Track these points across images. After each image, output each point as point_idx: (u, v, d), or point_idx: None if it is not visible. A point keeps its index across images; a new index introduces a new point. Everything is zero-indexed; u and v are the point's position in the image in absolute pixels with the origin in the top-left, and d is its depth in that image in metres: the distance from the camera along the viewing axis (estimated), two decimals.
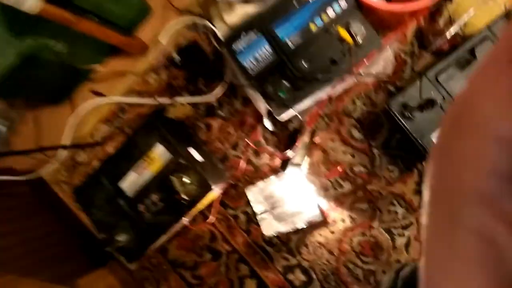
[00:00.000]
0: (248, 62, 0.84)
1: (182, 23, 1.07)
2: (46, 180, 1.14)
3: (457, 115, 0.16)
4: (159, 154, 0.88)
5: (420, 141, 0.74)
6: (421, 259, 0.18)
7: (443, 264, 0.16)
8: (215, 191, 0.94)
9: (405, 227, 0.95)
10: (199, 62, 1.04)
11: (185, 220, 0.86)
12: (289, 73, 0.82)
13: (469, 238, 0.15)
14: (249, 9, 0.88)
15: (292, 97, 0.84)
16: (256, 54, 0.83)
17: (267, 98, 0.85)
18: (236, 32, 0.84)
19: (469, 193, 0.15)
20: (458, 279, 0.16)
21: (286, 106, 0.84)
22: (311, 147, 1.01)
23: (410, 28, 0.93)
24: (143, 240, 0.89)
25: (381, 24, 0.93)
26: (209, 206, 1.03)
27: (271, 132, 1.03)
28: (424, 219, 0.18)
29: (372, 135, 0.97)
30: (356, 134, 0.98)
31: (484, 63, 0.16)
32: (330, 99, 0.98)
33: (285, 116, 0.88)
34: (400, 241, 0.95)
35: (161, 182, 0.87)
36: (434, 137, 0.74)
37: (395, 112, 0.75)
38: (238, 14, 0.92)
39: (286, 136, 1.02)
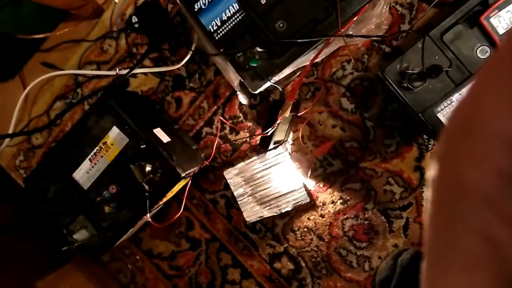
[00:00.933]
0: (213, 24, 0.69)
1: None
2: (2, 166, 1.02)
3: (461, 115, 0.16)
4: (115, 138, 0.75)
5: (421, 116, 0.61)
6: (423, 261, 0.18)
7: (444, 264, 0.16)
8: (187, 177, 0.82)
9: (403, 208, 0.84)
10: (161, 24, 0.89)
11: (148, 216, 0.74)
12: (263, 37, 0.68)
13: (471, 239, 0.15)
14: None
15: (267, 66, 0.70)
16: (222, 14, 0.68)
17: (238, 68, 0.71)
18: None
19: (472, 193, 0.15)
20: (459, 279, 0.16)
21: (261, 77, 0.70)
22: (295, 121, 0.87)
23: None
24: (106, 236, 0.78)
25: None
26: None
27: (250, 105, 0.89)
28: (426, 219, 0.18)
29: (365, 105, 0.83)
30: (347, 104, 0.84)
31: (489, 62, 0.16)
32: (315, 64, 0.84)
33: (263, 88, 0.74)
34: (398, 224, 0.84)
35: (119, 172, 0.75)
36: (439, 112, 0.61)
37: (391, 82, 0.62)
38: None
39: (267, 110, 0.88)
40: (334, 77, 0.84)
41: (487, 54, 0.59)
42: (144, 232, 0.97)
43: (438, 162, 0.17)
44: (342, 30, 0.68)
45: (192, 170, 0.84)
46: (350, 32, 0.68)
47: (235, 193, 0.90)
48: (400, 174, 0.83)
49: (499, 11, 0.58)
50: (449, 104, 0.60)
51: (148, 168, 0.74)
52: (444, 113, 0.60)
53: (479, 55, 0.59)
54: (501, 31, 0.58)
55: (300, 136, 0.87)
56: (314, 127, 0.87)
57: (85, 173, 0.76)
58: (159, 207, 0.89)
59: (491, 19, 0.58)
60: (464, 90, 0.60)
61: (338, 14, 0.66)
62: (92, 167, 0.76)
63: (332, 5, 0.66)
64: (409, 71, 0.59)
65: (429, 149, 0.80)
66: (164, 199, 0.83)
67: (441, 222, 0.17)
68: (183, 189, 0.92)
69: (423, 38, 0.58)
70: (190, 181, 0.87)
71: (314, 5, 0.66)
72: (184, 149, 0.87)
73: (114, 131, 0.75)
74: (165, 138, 0.83)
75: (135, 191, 0.75)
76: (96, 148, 0.76)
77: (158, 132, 0.83)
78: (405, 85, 0.60)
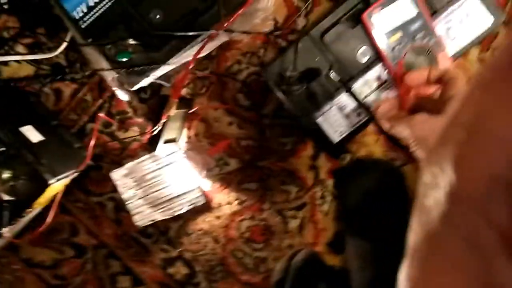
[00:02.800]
0: (78, 10, 0.60)
1: None
2: None
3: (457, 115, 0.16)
4: None
5: (301, 120, 0.58)
6: (405, 261, 0.18)
7: (428, 266, 0.16)
8: (60, 182, 0.72)
9: (298, 208, 0.82)
10: (35, 5, 0.77)
11: (6, 231, 0.65)
12: (136, 27, 0.60)
13: (457, 242, 0.15)
14: None
15: (145, 60, 0.63)
16: None
17: (112, 62, 0.63)
18: None
19: (462, 196, 0.14)
20: (442, 282, 0.15)
21: (138, 72, 0.63)
22: (189, 117, 0.81)
23: None
24: None
25: None
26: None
27: (140, 99, 0.82)
28: (412, 223, 0.17)
29: (262, 101, 0.80)
30: (243, 100, 0.80)
31: (487, 67, 0.16)
32: (209, 58, 0.78)
33: (142, 84, 0.67)
34: (293, 224, 0.83)
35: None
36: (319, 117, 0.58)
37: (271, 84, 0.58)
38: None
39: (157, 105, 0.81)
40: (229, 71, 0.79)
41: (367, 56, 0.57)
42: (22, 239, 0.86)
43: (426, 163, 0.17)
44: (226, 24, 0.62)
45: (71, 172, 0.75)
46: (235, 26, 0.63)
47: (123, 196, 0.83)
48: (296, 173, 0.81)
49: (382, 8, 0.56)
50: (328, 109, 0.57)
51: (6, 175, 0.64)
52: (323, 118, 0.58)
53: (359, 58, 0.57)
54: (382, 30, 0.57)
55: (194, 134, 0.81)
56: (209, 124, 0.82)
57: None
58: (36, 214, 0.79)
59: (373, 17, 0.56)
60: (344, 94, 0.58)
61: (220, 7, 0.60)
62: None
63: None
64: (288, 74, 0.56)
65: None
66: (36, 207, 0.73)
67: (426, 221, 0.16)
68: (68, 191, 0.83)
69: (297, 40, 0.55)
70: (67, 184, 0.78)
71: None
72: (61, 149, 0.77)
73: None
74: (36, 137, 0.73)
75: None
76: None
77: (28, 130, 0.73)
78: (284, 88, 0.56)
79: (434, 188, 0.16)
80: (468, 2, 0.56)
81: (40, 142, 0.73)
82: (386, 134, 0.51)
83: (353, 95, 0.58)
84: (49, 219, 0.73)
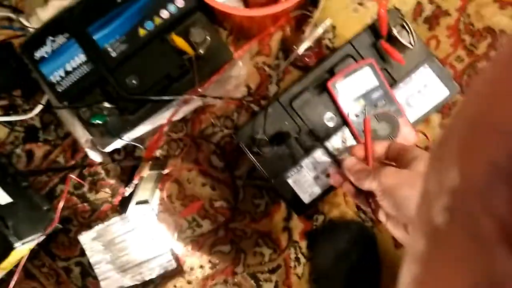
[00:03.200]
0: (56, 74, 0.62)
1: None
2: None
3: (462, 109, 0.16)
4: None
5: (273, 181, 0.59)
6: (405, 258, 0.18)
7: (428, 259, 0.16)
8: (26, 246, 0.70)
9: (272, 271, 0.81)
10: (11, 68, 0.79)
11: None
12: (112, 91, 0.62)
13: (457, 233, 0.15)
14: (65, 3, 0.66)
15: (119, 122, 0.64)
16: (67, 64, 0.62)
17: (86, 124, 0.64)
18: (38, 35, 0.62)
19: (464, 189, 0.15)
20: (443, 274, 0.15)
21: (112, 134, 0.64)
22: (163, 179, 0.82)
23: (275, 39, 0.79)
24: None
25: (241, 33, 0.78)
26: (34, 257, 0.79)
27: (113, 160, 0.82)
28: (414, 218, 0.18)
29: (235, 163, 0.81)
30: (217, 162, 0.81)
31: (491, 63, 0.16)
32: (184, 120, 0.80)
33: (115, 146, 0.67)
34: None
35: None
36: (289, 178, 0.60)
37: (243, 146, 0.60)
38: (53, 7, 0.70)
39: (131, 166, 0.81)
40: (203, 134, 0.81)
41: (333, 122, 0.60)
42: None
43: (432, 154, 0.17)
44: (200, 90, 0.65)
45: (38, 235, 0.73)
46: (209, 92, 0.66)
47: (91, 260, 0.80)
48: (269, 235, 0.81)
49: (345, 78, 0.60)
50: (298, 170, 0.59)
51: None
52: (294, 179, 0.60)
53: (326, 122, 0.60)
54: (346, 97, 0.60)
55: (166, 195, 0.81)
56: (183, 185, 0.82)
57: None
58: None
59: (337, 85, 0.60)
60: (313, 156, 0.60)
61: (195, 73, 0.63)
62: None
63: (189, 63, 0.63)
64: (258, 136, 0.58)
65: None
66: (0, 272, 0.70)
67: (426, 215, 0.16)
68: (33, 255, 0.80)
69: (267, 105, 0.58)
70: (33, 248, 0.75)
71: (168, 62, 0.63)
72: (29, 211, 0.75)
73: None
74: (3, 198, 0.71)
75: None
76: None
77: None
78: (255, 150, 0.58)
79: (437, 182, 0.16)
80: (424, 74, 0.61)
81: (8, 204, 0.71)
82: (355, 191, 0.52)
83: (327, 151, 0.60)
84: (11, 285, 0.69)
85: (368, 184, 0.48)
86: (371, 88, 0.59)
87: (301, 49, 0.64)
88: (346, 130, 0.61)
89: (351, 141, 0.60)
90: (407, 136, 0.58)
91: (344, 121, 0.60)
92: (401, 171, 0.47)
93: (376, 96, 0.59)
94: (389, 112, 0.59)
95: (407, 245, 0.18)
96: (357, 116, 0.59)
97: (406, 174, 0.46)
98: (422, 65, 0.61)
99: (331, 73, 0.60)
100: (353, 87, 0.59)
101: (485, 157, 0.14)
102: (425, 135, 0.63)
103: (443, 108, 0.76)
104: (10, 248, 0.65)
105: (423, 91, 0.62)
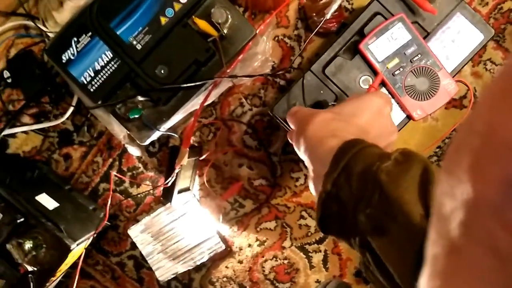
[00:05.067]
0: (86, 75, 0.62)
1: (9, 28, 0.82)
2: None
3: (471, 123, 0.16)
4: None
5: None
6: (424, 272, 0.18)
7: (447, 276, 0.16)
8: (80, 246, 0.72)
9: (319, 242, 0.81)
10: (37, 76, 0.80)
11: None
12: (143, 84, 0.62)
13: (475, 249, 0.15)
14: (81, 3, 0.66)
15: (154, 114, 0.65)
16: (95, 63, 0.62)
17: (122, 120, 0.64)
18: (62, 38, 0.62)
19: (479, 203, 0.14)
20: None
21: (149, 127, 0.65)
22: (199, 165, 0.82)
23: (292, 9, 0.77)
24: None
25: (256, 6, 0.76)
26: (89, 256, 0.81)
27: (149, 153, 0.83)
28: (430, 233, 0.18)
29: (268, 140, 0.81)
30: (250, 141, 0.81)
31: (500, 75, 0.16)
32: (213, 104, 0.80)
33: (153, 138, 0.68)
34: (317, 258, 0.82)
35: None
36: None
37: (280, 120, 0.59)
38: (69, 9, 0.69)
39: (168, 156, 0.82)
40: (233, 115, 0.81)
41: (369, 83, 0.59)
42: None
43: (443, 172, 0.17)
44: (228, 71, 0.65)
45: (89, 235, 0.75)
46: (237, 71, 0.66)
47: (143, 252, 0.82)
48: (312, 206, 0.81)
49: (377, 38, 0.59)
50: None
51: (28, 245, 0.64)
52: None
53: (362, 85, 0.59)
54: (380, 57, 0.59)
55: (205, 180, 0.82)
56: (220, 169, 0.82)
57: None
58: (56, 282, 0.78)
59: (370, 46, 0.59)
60: None
61: (221, 55, 0.62)
62: None
63: (213, 45, 0.62)
64: None
65: None
66: (58, 274, 0.72)
67: (443, 229, 0.16)
68: (86, 254, 0.82)
69: (303, 75, 0.57)
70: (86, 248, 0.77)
71: (194, 47, 0.62)
72: (77, 213, 0.77)
73: None
74: (51, 204, 0.73)
75: (17, 275, 0.64)
76: None
77: (42, 198, 0.73)
78: None
79: (451, 197, 0.16)
80: (456, 22, 0.59)
81: (56, 209, 0.73)
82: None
83: None
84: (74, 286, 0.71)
85: (288, 121, 0.51)
86: (405, 43, 0.57)
87: (329, 14, 0.62)
88: (383, 90, 0.59)
89: None
90: (447, 88, 0.57)
91: (381, 81, 0.59)
92: (307, 109, 0.49)
93: (410, 51, 0.57)
94: (427, 66, 0.57)
95: (426, 260, 0.18)
96: (393, 74, 0.58)
97: (307, 111, 0.48)
98: (454, 13, 0.59)
99: (361, 34, 0.59)
100: (386, 45, 0.57)
101: (498, 172, 0.14)
102: (466, 84, 0.61)
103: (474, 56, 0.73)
104: (67, 250, 0.67)
105: (457, 40, 0.60)
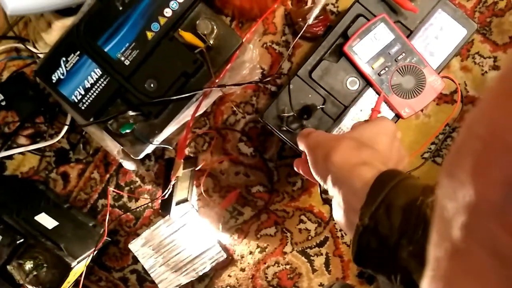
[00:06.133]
0: (76, 93, 0.63)
1: (0, 52, 0.83)
2: None
3: (472, 126, 0.16)
4: None
5: None
6: (426, 274, 0.18)
7: (450, 278, 0.16)
8: (81, 264, 0.72)
9: (320, 245, 0.81)
10: (30, 97, 0.81)
11: None
12: (133, 99, 0.63)
13: (477, 251, 0.15)
14: (69, 22, 0.67)
15: (146, 128, 0.65)
16: (85, 81, 0.63)
17: (114, 135, 0.65)
18: (51, 58, 0.63)
19: (480, 206, 0.15)
20: None
21: (142, 141, 0.65)
22: (196, 175, 0.83)
23: (279, 15, 0.78)
24: None
25: (243, 15, 0.77)
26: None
27: (145, 167, 0.83)
28: (432, 235, 0.18)
29: (263, 146, 0.81)
30: (245, 149, 0.82)
31: (499, 78, 0.16)
32: (206, 114, 0.81)
33: (147, 151, 0.68)
34: (319, 262, 0.81)
35: None
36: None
37: (271, 126, 0.60)
38: (57, 29, 0.70)
39: (164, 169, 0.82)
40: (227, 124, 0.82)
41: (356, 85, 0.59)
42: None
43: (444, 175, 0.17)
44: (217, 80, 0.65)
45: (90, 252, 0.75)
46: (226, 81, 0.66)
47: (145, 266, 0.82)
48: (311, 210, 0.81)
49: (361, 39, 0.59)
50: None
51: (29, 266, 0.64)
52: None
53: (349, 87, 0.60)
54: (365, 58, 0.59)
55: (203, 190, 0.82)
56: (217, 178, 0.83)
57: None
58: None
59: (354, 48, 0.59)
60: (342, 123, 0.59)
61: (209, 65, 0.63)
62: None
63: (201, 56, 0.63)
64: (285, 115, 0.58)
65: None
66: None
67: (445, 232, 0.16)
68: (89, 271, 0.82)
69: (289, 81, 0.58)
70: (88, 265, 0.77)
71: (181, 60, 0.63)
72: (76, 230, 0.77)
73: None
74: (50, 223, 0.74)
75: None
76: None
77: (42, 218, 0.73)
78: (284, 128, 0.58)
79: (453, 199, 0.16)
80: (438, 18, 0.60)
81: (56, 228, 0.74)
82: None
83: (354, 116, 0.60)
84: None
85: (299, 144, 0.50)
86: (388, 43, 0.58)
87: (311, 19, 0.63)
88: (370, 91, 0.60)
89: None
90: (434, 84, 0.57)
91: (367, 82, 0.59)
92: (322, 133, 0.49)
93: (394, 50, 0.58)
94: (412, 64, 0.58)
95: (428, 262, 0.18)
96: (379, 74, 0.58)
97: (324, 135, 0.48)
98: (436, 10, 0.60)
99: (345, 37, 0.59)
100: (370, 46, 0.58)
101: (500, 174, 0.14)
102: (452, 80, 0.62)
103: (462, 50, 0.74)
104: (68, 269, 0.67)
105: (440, 36, 0.61)
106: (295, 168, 0.54)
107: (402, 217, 0.34)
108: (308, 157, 0.47)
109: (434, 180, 0.36)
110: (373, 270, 0.38)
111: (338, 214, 0.42)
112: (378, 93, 0.59)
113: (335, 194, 0.42)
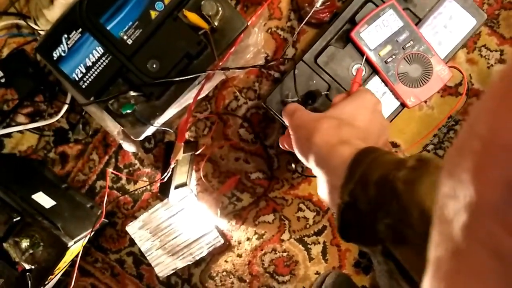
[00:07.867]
0: (77, 71, 0.62)
1: (1, 28, 0.81)
2: None
3: (470, 127, 0.16)
4: None
5: None
6: (427, 274, 0.18)
7: (449, 278, 0.16)
8: (78, 244, 0.72)
9: (318, 233, 0.81)
10: (30, 75, 0.80)
11: None
12: (135, 79, 0.62)
13: (477, 251, 0.15)
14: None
15: (147, 109, 0.64)
16: (86, 59, 0.62)
17: (115, 116, 0.64)
18: (52, 35, 0.62)
19: (481, 206, 0.15)
20: None
21: (142, 122, 0.64)
22: (196, 160, 0.82)
23: (285, 0, 0.77)
24: None
25: None
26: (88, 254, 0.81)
27: (145, 149, 0.82)
28: (433, 235, 0.18)
29: (264, 133, 0.81)
30: (246, 135, 0.81)
31: (501, 78, 0.16)
32: (207, 98, 0.80)
33: (147, 133, 0.68)
34: (316, 250, 0.81)
35: None
36: None
37: (274, 111, 0.59)
38: (59, 6, 0.69)
39: (164, 152, 0.82)
40: (229, 109, 0.81)
41: (362, 72, 0.59)
42: None
43: (445, 174, 0.17)
44: (220, 63, 0.64)
45: (86, 232, 0.75)
46: (229, 64, 0.65)
47: (142, 248, 0.82)
48: (310, 198, 0.81)
49: (368, 25, 0.58)
50: None
51: (25, 244, 0.64)
52: None
53: (354, 73, 0.59)
54: (372, 45, 0.58)
55: (202, 175, 0.81)
56: (216, 163, 0.82)
57: None
58: (55, 280, 0.78)
59: (362, 34, 0.58)
60: None
61: (213, 47, 0.62)
62: None
63: (205, 38, 0.62)
64: (289, 100, 0.57)
65: None
66: (57, 273, 0.72)
67: (446, 231, 0.16)
68: (85, 252, 0.82)
69: (294, 66, 0.57)
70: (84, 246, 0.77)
71: (185, 41, 0.62)
72: (74, 211, 0.77)
73: None
74: (48, 202, 0.73)
75: (15, 274, 0.64)
76: None
77: (39, 197, 0.73)
78: None
79: (453, 199, 0.16)
80: (448, 7, 0.59)
81: (53, 207, 0.73)
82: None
83: None
84: (72, 284, 0.71)
85: (284, 119, 0.51)
86: (396, 30, 0.57)
87: (318, 3, 0.62)
88: (375, 78, 0.59)
89: (382, 89, 0.59)
90: (441, 74, 0.57)
91: (373, 69, 0.58)
92: (306, 113, 0.49)
93: (402, 37, 0.57)
94: (419, 52, 0.57)
95: (429, 262, 0.18)
96: (386, 62, 0.57)
97: (307, 115, 0.48)
98: None
99: (353, 22, 0.58)
100: (378, 33, 0.57)
101: (500, 175, 0.14)
102: (459, 70, 0.61)
103: (468, 42, 0.73)
104: (65, 248, 0.67)
105: (449, 25, 0.60)
106: (280, 145, 0.56)
107: (377, 192, 0.35)
108: (292, 137, 0.49)
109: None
110: (356, 243, 0.40)
111: (323, 192, 0.44)
112: (384, 81, 0.58)
113: (318, 174, 0.44)
